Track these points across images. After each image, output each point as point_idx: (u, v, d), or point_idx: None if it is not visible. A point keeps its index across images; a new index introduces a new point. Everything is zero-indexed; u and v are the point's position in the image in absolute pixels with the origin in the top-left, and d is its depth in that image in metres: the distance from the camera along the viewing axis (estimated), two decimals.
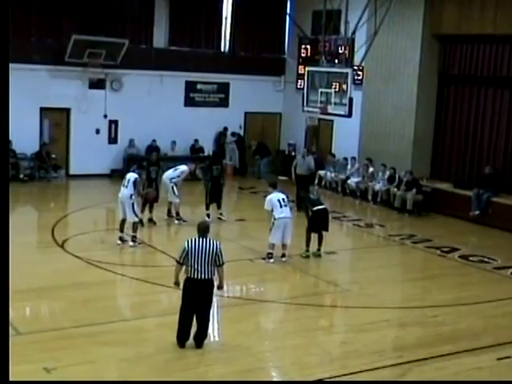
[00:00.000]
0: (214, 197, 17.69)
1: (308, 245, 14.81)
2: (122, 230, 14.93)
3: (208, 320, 9.80)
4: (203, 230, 9.68)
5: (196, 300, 9.56)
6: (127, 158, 23.26)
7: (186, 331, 9.63)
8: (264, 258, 14.29)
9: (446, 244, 16.42)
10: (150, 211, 16.87)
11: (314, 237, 14.87)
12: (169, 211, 17.48)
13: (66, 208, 19.85)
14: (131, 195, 14.76)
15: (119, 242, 14.88)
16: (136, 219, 14.91)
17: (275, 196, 14.39)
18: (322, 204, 15.17)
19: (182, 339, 9.62)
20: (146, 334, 10.49)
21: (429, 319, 11.41)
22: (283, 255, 14.45)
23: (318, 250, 14.92)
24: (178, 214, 17.30)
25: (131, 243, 14.80)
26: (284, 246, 14.42)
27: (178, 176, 17.47)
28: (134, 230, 14.89)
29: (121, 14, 23.11)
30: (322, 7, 19.01)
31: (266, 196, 14.99)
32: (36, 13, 22.00)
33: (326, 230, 14.93)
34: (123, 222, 14.94)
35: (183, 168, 17.63)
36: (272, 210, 14.16)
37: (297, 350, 10.01)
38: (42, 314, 11.41)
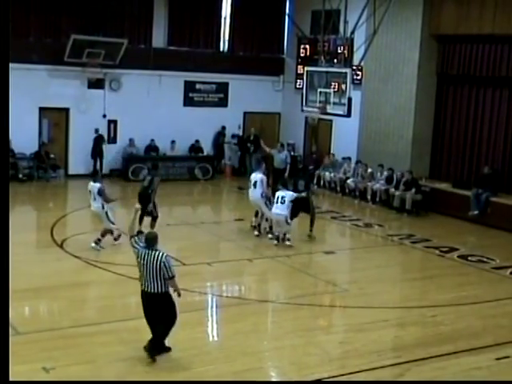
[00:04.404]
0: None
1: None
2: (111, 233, 14.78)
3: (159, 336, 9.28)
4: (150, 240, 9.22)
5: (148, 312, 9.29)
6: (126, 157, 23.28)
7: (151, 341, 9.32)
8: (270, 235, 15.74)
9: (444, 244, 16.43)
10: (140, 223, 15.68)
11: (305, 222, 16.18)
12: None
13: (64, 208, 19.84)
14: (102, 205, 14.44)
15: (115, 242, 14.78)
16: (113, 227, 14.58)
17: (279, 193, 15.50)
18: (301, 193, 16.15)
19: (149, 346, 9.31)
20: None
21: (428, 319, 11.42)
22: (287, 239, 15.47)
23: (310, 230, 16.26)
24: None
25: (93, 244, 14.42)
26: (284, 235, 15.51)
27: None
28: (103, 234, 14.58)
29: (120, 14, 23.10)
30: (321, 7, 19.02)
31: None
32: (35, 12, 22.00)
33: (308, 212, 16.32)
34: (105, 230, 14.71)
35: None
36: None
37: (296, 349, 10.02)
38: (41, 313, 11.41)
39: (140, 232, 15.54)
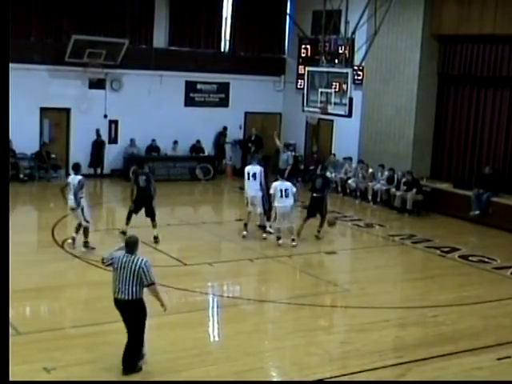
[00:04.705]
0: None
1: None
2: (77, 231, 14.49)
3: (133, 347, 8.83)
4: (131, 245, 8.76)
5: (124, 318, 8.85)
6: (127, 157, 23.28)
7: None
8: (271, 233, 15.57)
9: (445, 244, 16.42)
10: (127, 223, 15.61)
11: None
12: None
13: (65, 208, 19.76)
14: (79, 201, 14.12)
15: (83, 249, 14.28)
16: (87, 224, 14.34)
17: (280, 184, 15.39)
18: (318, 192, 16.34)
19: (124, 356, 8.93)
20: (146, 333, 10.48)
21: (429, 319, 11.41)
22: (292, 240, 15.34)
23: (318, 231, 16.35)
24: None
25: (83, 249, 14.24)
26: (290, 231, 15.38)
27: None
28: (86, 235, 14.36)
29: (121, 14, 23.11)
30: (321, 7, 19.00)
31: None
32: (36, 13, 22.01)
33: (321, 212, 16.43)
34: (80, 225, 14.44)
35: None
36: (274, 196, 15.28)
37: (297, 349, 10.01)
38: (42, 313, 11.40)
39: (123, 232, 15.52)
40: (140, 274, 8.57)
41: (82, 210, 14.25)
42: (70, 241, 14.57)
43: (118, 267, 8.68)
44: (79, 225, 14.43)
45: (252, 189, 16.02)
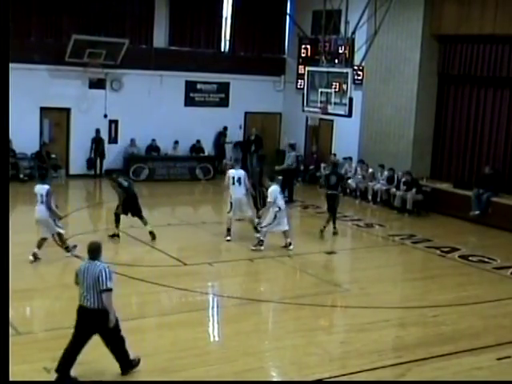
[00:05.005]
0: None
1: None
2: (39, 247, 13.53)
3: (118, 353, 8.67)
4: (92, 251, 8.54)
5: (84, 330, 8.51)
6: (127, 157, 23.30)
7: (65, 358, 8.45)
8: (255, 245, 15.03)
9: (445, 244, 16.42)
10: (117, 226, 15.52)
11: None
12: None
13: (65, 208, 19.81)
14: (50, 209, 13.35)
15: (32, 258, 13.37)
16: (61, 230, 13.68)
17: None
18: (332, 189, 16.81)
19: (59, 364, 8.45)
20: (145, 333, 10.49)
21: (429, 319, 11.41)
22: (290, 244, 15.18)
23: (334, 227, 16.78)
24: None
25: (67, 254, 13.79)
26: (286, 233, 15.25)
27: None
28: (63, 241, 13.88)
29: (121, 14, 23.12)
30: (321, 7, 19.00)
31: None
32: (36, 12, 22.02)
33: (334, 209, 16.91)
34: (43, 240, 13.54)
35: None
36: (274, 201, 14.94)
37: (297, 349, 10.01)
38: (42, 313, 11.40)
39: (116, 235, 15.49)
40: (99, 279, 8.30)
41: (55, 220, 13.54)
42: (31, 258, 13.34)
43: (81, 273, 8.46)
44: (43, 239, 13.50)
45: (239, 193, 15.77)
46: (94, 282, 8.32)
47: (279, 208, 14.90)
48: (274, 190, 14.98)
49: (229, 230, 15.84)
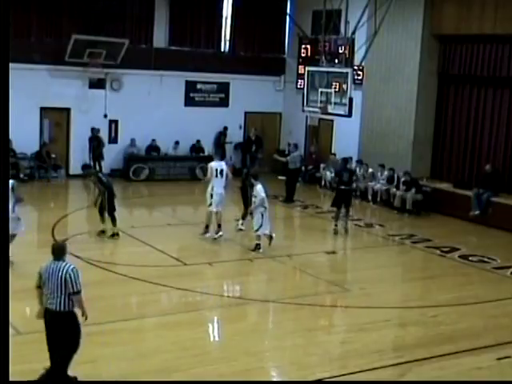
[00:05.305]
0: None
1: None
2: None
3: (60, 364, 8.20)
4: (57, 252, 8.16)
5: (49, 333, 8.20)
6: (127, 157, 23.29)
7: (54, 363, 8.28)
8: (254, 250, 14.81)
9: (445, 244, 16.42)
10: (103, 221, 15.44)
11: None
12: None
13: (66, 208, 19.84)
14: (13, 208, 12.66)
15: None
16: (22, 229, 12.98)
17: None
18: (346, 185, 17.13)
19: (50, 372, 8.31)
20: (145, 333, 10.50)
21: (429, 319, 11.41)
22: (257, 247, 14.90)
23: (346, 223, 17.11)
24: None
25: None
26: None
27: None
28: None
29: (121, 14, 23.11)
30: (321, 7, 18.99)
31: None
32: (36, 12, 22.01)
33: (348, 205, 17.35)
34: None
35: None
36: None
37: (297, 349, 10.01)
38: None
39: (102, 232, 15.50)
40: (67, 281, 7.96)
41: (19, 218, 12.90)
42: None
43: (47, 276, 8.06)
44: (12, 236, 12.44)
45: (220, 186, 15.52)
46: (59, 283, 7.97)
47: (265, 208, 14.81)
48: (260, 188, 14.84)
49: (207, 226, 15.65)
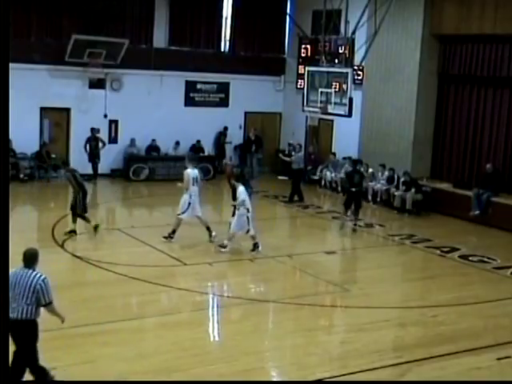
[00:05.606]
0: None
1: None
2: None
3: (33, 367, 7.95)
4: (28, 259, 7.79)
5: (20, 342, 7.83)
6: (127, 157, 23.29)
7: (34, 371, 8.03)
8: (253, 250, 14.76)
9: (445, 244, 16.42)
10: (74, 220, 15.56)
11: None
12: None
13: (65, 208, 19.75)
14: None
15: None
16: None
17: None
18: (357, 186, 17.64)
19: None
20: (145, 333, 10.50)
21: (428, 319, 11.42)
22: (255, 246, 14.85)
23: (355, 224, 17.64)
24: None
25: None
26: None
27: None
28: None
29: (121, 14, 23.10)
30: (322, 7, 19.00)
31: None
32: (36, 12, 22.01)
33: (359, 205, 17.84)
34: None
35: None
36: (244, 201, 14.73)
37: (297, 349, 10.02)
38: (42, 313, 11.37)
39: (73, 231, 15.46)
40: (37, 292, 7.66)
41: None
42: None
43: (13, 282, 7.62)
44: None
45: (197, 194, 15.52)
46: (25, 291, 7.63)
47: (248, 209, 14.71)
48: (242, 190, 14.75)
49: (175, 231, 15.47)
